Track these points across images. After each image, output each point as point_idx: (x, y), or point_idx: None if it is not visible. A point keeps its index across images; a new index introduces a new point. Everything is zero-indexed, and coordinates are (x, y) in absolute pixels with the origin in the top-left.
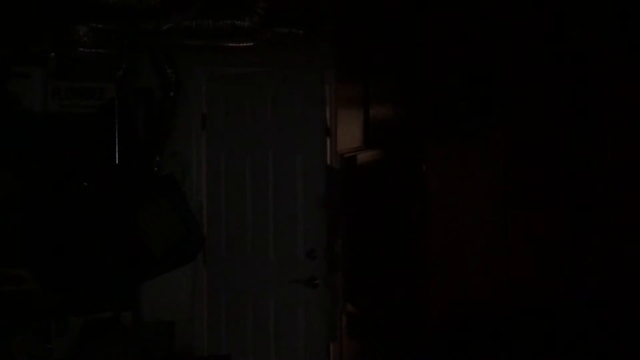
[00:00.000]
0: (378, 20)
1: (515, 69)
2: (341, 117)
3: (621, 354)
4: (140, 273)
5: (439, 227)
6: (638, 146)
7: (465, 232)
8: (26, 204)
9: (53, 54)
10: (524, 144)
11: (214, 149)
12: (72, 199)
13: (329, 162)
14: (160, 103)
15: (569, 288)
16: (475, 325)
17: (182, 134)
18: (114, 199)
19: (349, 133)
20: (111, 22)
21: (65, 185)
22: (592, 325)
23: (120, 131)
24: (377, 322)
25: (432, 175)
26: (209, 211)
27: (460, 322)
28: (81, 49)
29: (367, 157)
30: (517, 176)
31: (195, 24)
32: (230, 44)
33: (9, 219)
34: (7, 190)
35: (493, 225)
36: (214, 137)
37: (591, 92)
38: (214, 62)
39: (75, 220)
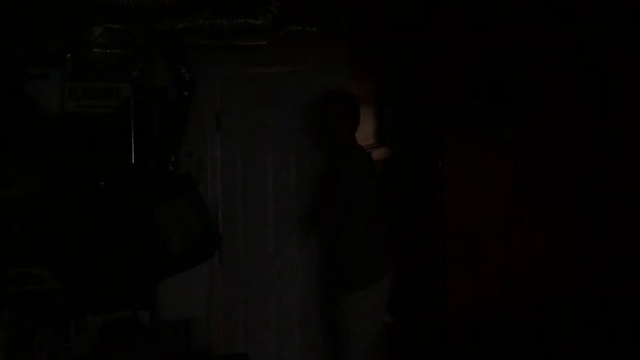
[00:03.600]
0: (392, 17)
1: (530, 62)
2: None
3: None
4: (158, 272)
5: (456, 222)
6: None
7: (483, 228)
8: (45, 204)
9: (69, 55)
10: (541, 138)
11: (229, 147)
12: (89, 199)
13: None
14: (175, 103)
15: (588, 283)
16: (493, 320)
17: (197, 133)
18: (132, 199)
19: (363, 130)
20: (126, 23)
21: (83, 185)
22: (611, 321)
23: (137, 131)
24: (396, 318)
25: (449, 171)
26: (224, 210)
27: (478, 316)
28: (96, 50)
29: (381, 154)
30: (534, 171)
31: (209, 23)
32: (244, 43)
33: (28, 219)
34: (26, 190)
35: (511, 220)
36: (229, 136)
37: (609, 84)
38: (228, 61)
39: (93, 219)
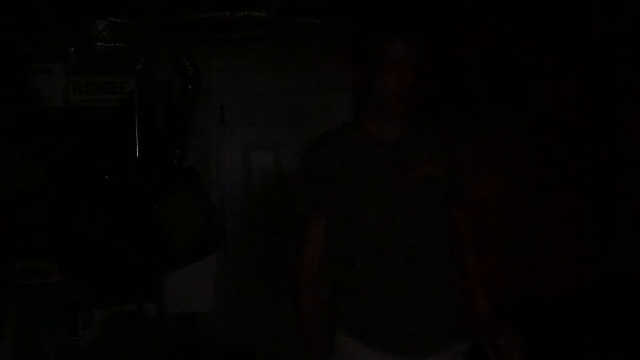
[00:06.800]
0: (394, 6)
1: (536, 53)
2: None
3: None
4: (163, 265)
5: None
6: None
7: (488, 221)
8: (49, 197)
9: (73, 49)
10: (546, 131)
11: (233, 141)
12: (94, 193)
13: None
14: (179, 96)
15: (594, 276)
16: (499, 313)
17: (202, 127)
18: (136, 192)
19: None
20: (129, 16)
21: (88, 178)
22: (616, 313)
23: (141, 124)
24: None
25: None
26: (228, 203)
27: None
28: (100, 44)
29: None
30: (539, 163)
31: (212, 16)
32: (248, 35)
33: (33, 212)
34: (31, 184)
35: (516, 213)
36: (233, 130)
37: (615, 76)
38: (232, 54)
39: (97, 213)
